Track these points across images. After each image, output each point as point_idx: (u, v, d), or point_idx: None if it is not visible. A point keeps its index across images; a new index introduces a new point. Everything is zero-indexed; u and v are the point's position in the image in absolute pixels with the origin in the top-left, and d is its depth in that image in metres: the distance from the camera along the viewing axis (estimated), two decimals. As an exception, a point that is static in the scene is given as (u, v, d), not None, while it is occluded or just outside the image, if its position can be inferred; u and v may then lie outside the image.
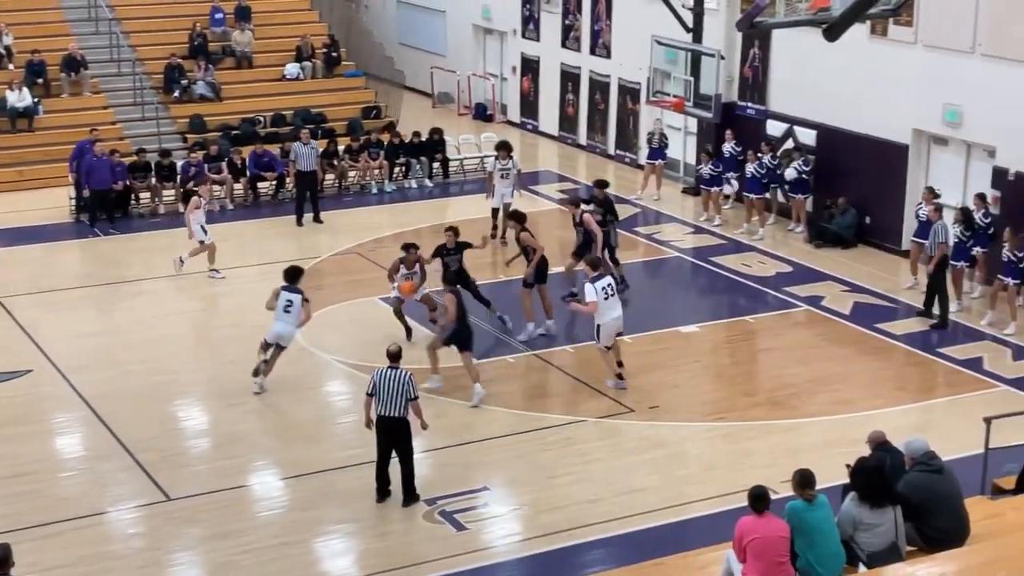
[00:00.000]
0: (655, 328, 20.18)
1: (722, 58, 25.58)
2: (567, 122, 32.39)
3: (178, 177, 26.92)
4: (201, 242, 22.73)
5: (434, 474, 15.69)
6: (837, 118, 24.88)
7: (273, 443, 16.95)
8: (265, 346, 18.09)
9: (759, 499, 10.98)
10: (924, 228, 21.66)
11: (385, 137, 29.49)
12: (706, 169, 26.05)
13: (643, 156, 28.73)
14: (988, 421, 14.31)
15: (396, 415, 14.75)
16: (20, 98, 29.19)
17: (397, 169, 28.99)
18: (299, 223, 25.77)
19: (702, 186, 26.50)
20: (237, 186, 27.38)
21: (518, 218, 20.46)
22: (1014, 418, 15.98)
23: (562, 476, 15.78)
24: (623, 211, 26.51)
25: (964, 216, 21.00)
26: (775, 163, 25.23)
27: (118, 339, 20.34)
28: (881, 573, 11.06)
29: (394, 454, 14.99)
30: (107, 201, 25.96)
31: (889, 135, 23.95)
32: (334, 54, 33.73)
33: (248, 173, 27.39)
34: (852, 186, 24.68)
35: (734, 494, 14.34)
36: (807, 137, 25.48)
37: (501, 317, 20.21)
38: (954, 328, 20.54)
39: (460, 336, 17.74)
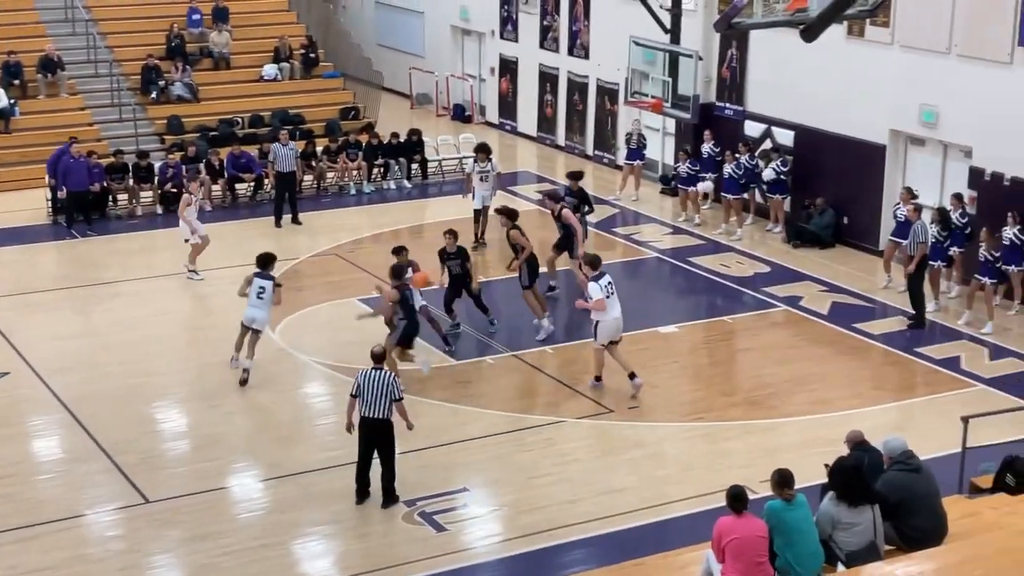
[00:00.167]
0: (634, 329, 20.16)
1: (700, 59, 25.63)
2: (545, 123, 32.41)
3: (156, 178, 26.85)
4: (186, 240, 22.69)
5: (414, 475, 15.67)
6: (815, 119, 24.96)
7: (252, 445, 16.90)
8: (243, 328, 18.40)
9: (737, 499, 11.01)
10: (902, 228, 21.77)
11: (363, 138, 29.45)
12: (684, 168, 26.11)
13: (621, 157, 28.77)
14: (965, 420, 14.38)
15: (380, 416, 14.74)
16: (-4, 99, 29.11)
17: (375, 170, 28.97)
18: (278, 224, 25.72)
19: (679, 185, 26.56)
20: (215, 187, 27.31)
21: (510, 215, 20.44)
22: (991, 417, 16.12)
23: (542, 477, 15.79)
24: (602, 211, 26.61)
25: (941, 216, 21.09)
26: (752, 163, 25.29)
27: (96, 341, 20.27)
28: (860, 572, 11.10)
29: (375, 455, 14.98)
30: (84, 203, 25.87)
31: (866, 135, 24.04)
32: (312, 55, 33.69)
33: (226, 174, 27.32)
34: (830, 186, 24.76)
35: (713, 494, 14.38)
36: (785, 138, 25.55)
37: (492, 320, 20.22)
38: (931, 328, 20.63)
39: (410, 332, 17.98)
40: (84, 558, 14.05)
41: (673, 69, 25.47)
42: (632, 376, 17.88)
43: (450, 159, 29.97)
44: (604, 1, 29.92)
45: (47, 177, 26.19)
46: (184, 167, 26.98)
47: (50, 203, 26.25)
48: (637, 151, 27.69)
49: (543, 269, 20.95)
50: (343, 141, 28.91)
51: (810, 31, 18.87)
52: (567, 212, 21.30)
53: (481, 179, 24.19)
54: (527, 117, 32.99)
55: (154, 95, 31.16)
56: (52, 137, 28.38)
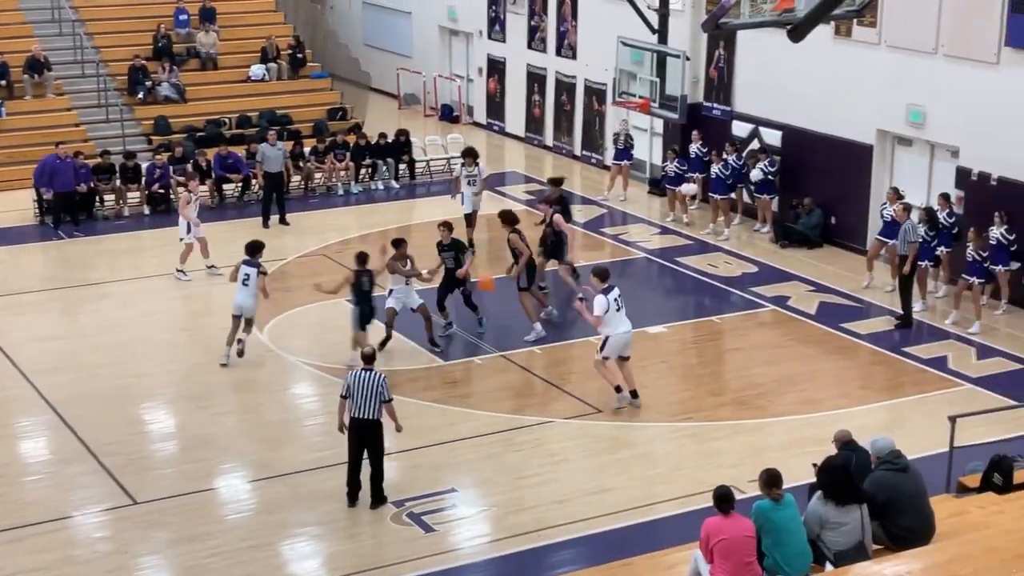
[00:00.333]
0: (622, 328, 20.20)
1: (687, 59, 25.64)
2: (533, 123, 32.41)
3: (143, 179, 26.80)
4: (181, 239, 22.69)
5: (402, 476, 15.68)
6: (802, 119, 25.00)
7: (240, 446, 16.87)
8: (234, 318, 18.85)
9: (724, 499, 11.03)
10: (889, 228, 21.83)
11: (351, 138, 29.43)
12: (672, 167, 26.13)
13: (609, 157, 28.79)
14: (953, 420, 14.41)
15: (370, 417, 14.73)
16: (-17, 100, 29.05)
17: (363, 171, 28.95)
18: (265, 225, 25.67)
19: (667, 185, 26.58)
20: (203, 188, 27.24)
21: (509, 220, 20.47)
22: (978, 416, 16.17)
23: (530, 477, 15.78)
24: (590, 212, 26.64)
25: (928, 216, 21.13)
26: (740, 163, 25.32)
27: (83, 342, 20.22)
28: (848, 571, 11.12)
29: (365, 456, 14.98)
30: (71, 203, 25.81)
31: (854, 136, 24.09)
32: (299, 55, 33.65)
33: (213, 175, 27.28)
34: (817, 186, 24.80)
35: (701, 494, 14.38)
36: (772, 138, 25.58)
37: (480, 320, 20.19)
38: (919, 327, 20.68)
39: (365, 315, 18.51)
40: (72, 560, 14.02)
41: (661, 69, 25.48)
42: (634, 395, 17.56)
43: (438, 159, 29.97)
44: (592, 1, 29.94)
45: (36, 187, 26.03)
46: (172, 167, 26.95)
47: (37, 204, 26.19)
48: (624, 151, 27.70)
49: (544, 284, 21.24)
50: (331, 141, 28.88)
51: (797, 31, 18.89)
52: (559, 218, 21.32)
53: (468, 183, 24.05)
54: (515, 117, 33.00)
55: (141, 95, 31.10)
56: (39, 138, 28.35)
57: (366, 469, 14.98)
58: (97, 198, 26.63)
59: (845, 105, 24.12)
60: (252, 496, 15.57)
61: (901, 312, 20.74)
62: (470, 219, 23.87)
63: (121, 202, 26.76)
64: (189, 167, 27.15)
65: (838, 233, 24.57)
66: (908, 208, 21.22)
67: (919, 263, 20.87)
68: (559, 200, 22.30)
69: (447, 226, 19.94)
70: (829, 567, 11.37)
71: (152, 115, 30.67)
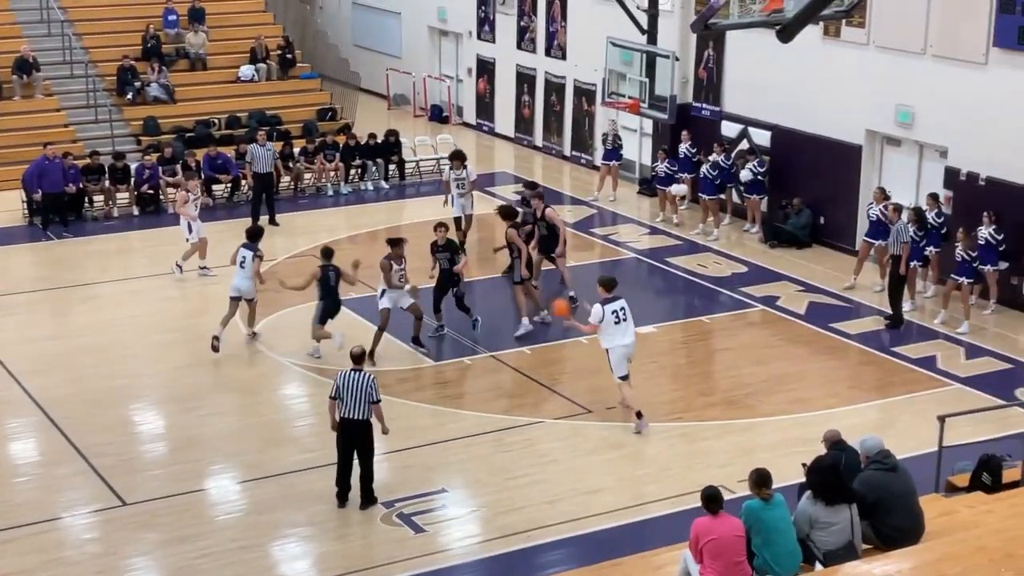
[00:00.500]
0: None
1: (677, 59, 25.69)
2: (523, 124, 32.41)
3: (132, 180, 26.76)
4: (187, 238, 22.79)
5: (392, 476, 15.67)
6: (791, 119, 25.04)
7: (230, 447, 16.85)
8: (232, 300, 19.52)
9: (712, 500, 11.04)
10: (875, 227, 21.88)
11: (341, 139, 29.42)
12: (662, 167, 26.15)
13: (599, 157, 28.80)
14: (942, 419, 14.43)
15: (359, 418, 14.72)
16: (-29, 101, 28.99)
17: (353, 171, 28.93)
18: (248, 229, 25.57)
19: (658, 186, 26.59)
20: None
21: (508, 215, 20.55)
22: (967, 416, 16.19)
23: (520, 477, 15.79)
24: (580, 212, 26.65)
25: (917, 216, 21.17)
26: (728, 163, 25.35)
27: (72, 343, 20.18)
28: (837, 571, 11.13)
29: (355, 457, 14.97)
30: (60, 204, 25.77)
31: (843, 136, 24.13)
32: (289, 56, 33.63)
33: (202, 175, 27.24)
34: (806, 187, 24.84)
35: (691, 494, 14.36)
36: (761, 138, 25.62)
37: (475, 321, 20.14)
38: (907, 327, 20.71)
39: (328, 310, 18.99)
40: (61, 561, 13.99)
41: (650, 70, 25.53)
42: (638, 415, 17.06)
43: (427, 160, 29.96)
44: (581, 2, 29.95)
45: (24, 190, 26.00)
46: (161, 168, 26.91)
47: (25, 204, 26.14)
48: (613, 152, 27.70)
49: (535, 282, 21.23)
50: (320, 142, 28.87)
51: (786, 32, 18.94)
52: (551, 212, 21.41)
53: (457, 186, 23.85)
54: (504, 118, 33.00)
55: (130, 96, 31.06)
56: (27, 138, 28.30)
57: (356, 470, 14.98)
58: (86, 199, 26.58)
59: (834, 105, 24.16)
60: (242, 497, 15.55)
61: (891, 312, 20.79)
62: (459, 223, 23.71)
63: (110, 203, 26.71)
64: (179, 168, 27.13)
65: (827, 233, 24.61)
66: (899, 209, 21.25)
67: (908, 263, 20.90)
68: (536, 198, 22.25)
69: (443, 227, 19.92)
70: (819, 567, 11.38)
71: (141, 116, 30.63)
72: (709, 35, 25.34)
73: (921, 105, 22.66)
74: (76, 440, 16.68)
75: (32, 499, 15.37)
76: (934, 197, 21.61)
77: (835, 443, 12.69)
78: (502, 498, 15.30)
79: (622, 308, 16.85)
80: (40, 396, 18.01)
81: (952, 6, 21.91)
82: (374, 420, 14.86)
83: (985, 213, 20.71)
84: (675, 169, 26.06)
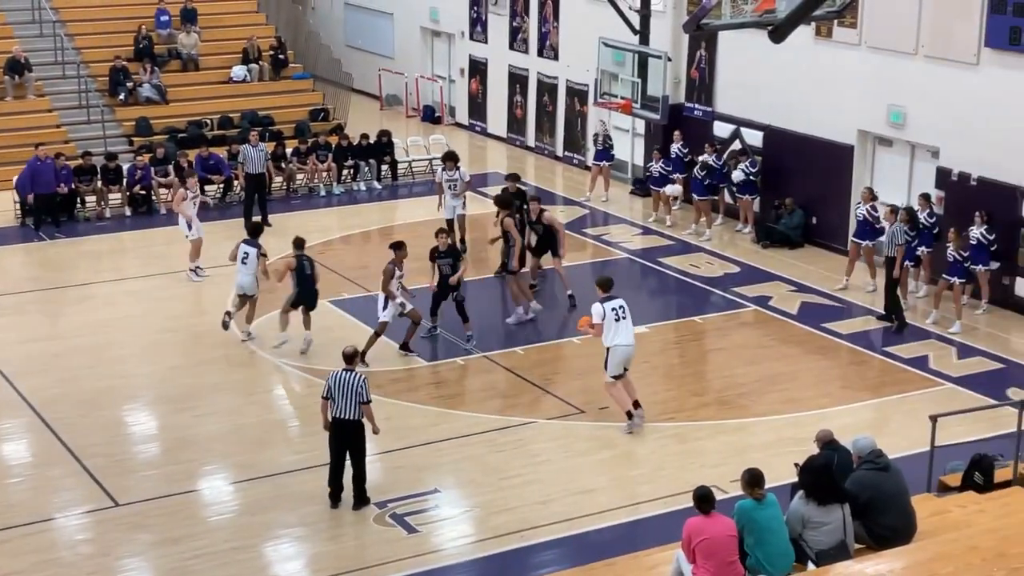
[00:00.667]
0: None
1: (669, 60, 25.69)
2: (515, 124, 32.42)
3: (124, 180, 26.73)
4: (187, 236, 22.76)
5: (385, 477, 15.68)
6: (783, 119, 25.07)
7: (223, 447, 16.84)
8: (239, 296, 19.82)
9: (704, 500, 11.06)
10: (862, 227, 21.93)
11: (333, 139, 29.40)
12: (657, 167, 26.16)
13: (591, 158, 28.81)
14: (934, 419, 14.44)
15: (351, 418, 14.73)
16: (-37, 101, 28.94)
17: (345, 172, 28.92)
18: (247, 226, 25.57)
19: (651, 186, 26.61)
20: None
21: (504, 204, 20.60)
22: (959, 416, 16.22)
23: (513, 477, 15.80)
24: (572, 212, 26.66)
25: (909, 216, 21.20)
26: (719, 164, 25.37)
27: (65, 343, 20.16)
28: (829, 571, 11.15)
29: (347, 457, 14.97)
30: (52, 205, 25.74)
31: (835, 136, 24.16)
32: (281, 56, 33.62)
33: (195, 176, 27.17)
34: (798, 187, 24.87)
35: (684, 494, 14.33)
36: (754, 138, 25.65)
37: (469, 337, 19.81)
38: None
39: (304, 299, 19.30)
40: (54, 562, 13.98)
41: (642, 70, 25.53)
42: (636, 404, 17.03)
43: (420, 160, 29.95)
44: (573, 2, 29.96)
45: (15, 192, 25.96)
46: (153, 169, 26.89)
47: (18, 205, 26.10)
48: (604, 152, 27.70)
49: (525, 269, 21.27)
50: (313, 142, 28.86)
51: (778, 32, 19.00)
52: (548, 214, 21.48)
53: (450, 187, 23.76)
54: (497, 118, 33.00)
55: (122, 97, 31.03)
56: (19, 139, 28.26)
57: (348, 470, 14.98)
58: (78, 199, 26.55)
59: (826, 106, 24.20)
60: (235, 497, 15.54)
61: (884, 313, 20.80)
62: (450, 224, 23.61)
63: (102, 203, 26.69)
64: (171, 168, 27.10)
65: (819, 233, 24.64)
66: (895, 210, 21.27)
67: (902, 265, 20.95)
68: (518, 194, 22.20)
69: (444, 233, 19.87)
70: (811, 566, 11.40)
71: (133, 116, 30.60)
72: (701, 35, 25.35)
73: (913, 105, 22.70)
74: (69, 441, 16.66)
75: (25, 500, 15.34)
76: (926, 197, 21.64)
77: (827, 443, 12.70)
78: (495, 498, 15.31)
79: (621, 306, 16.91)
80: (32, 397, 17.99)
81: (944, 6, 21.96)
82: (366, 420, 14.87)
83: (977, 213, 20.75)
84: (669, 170, 26.08)
